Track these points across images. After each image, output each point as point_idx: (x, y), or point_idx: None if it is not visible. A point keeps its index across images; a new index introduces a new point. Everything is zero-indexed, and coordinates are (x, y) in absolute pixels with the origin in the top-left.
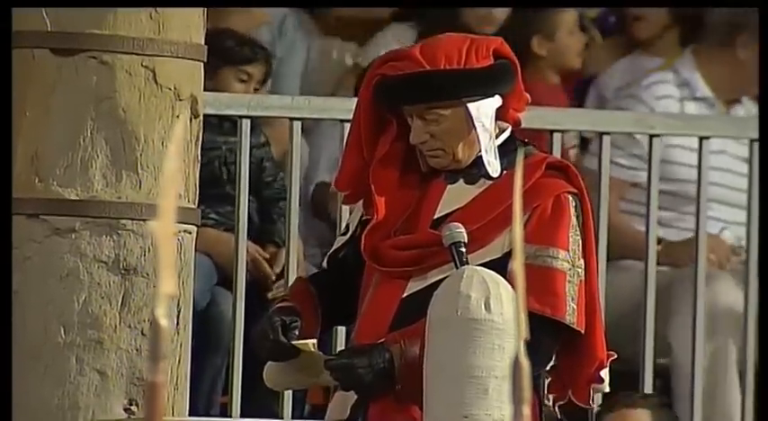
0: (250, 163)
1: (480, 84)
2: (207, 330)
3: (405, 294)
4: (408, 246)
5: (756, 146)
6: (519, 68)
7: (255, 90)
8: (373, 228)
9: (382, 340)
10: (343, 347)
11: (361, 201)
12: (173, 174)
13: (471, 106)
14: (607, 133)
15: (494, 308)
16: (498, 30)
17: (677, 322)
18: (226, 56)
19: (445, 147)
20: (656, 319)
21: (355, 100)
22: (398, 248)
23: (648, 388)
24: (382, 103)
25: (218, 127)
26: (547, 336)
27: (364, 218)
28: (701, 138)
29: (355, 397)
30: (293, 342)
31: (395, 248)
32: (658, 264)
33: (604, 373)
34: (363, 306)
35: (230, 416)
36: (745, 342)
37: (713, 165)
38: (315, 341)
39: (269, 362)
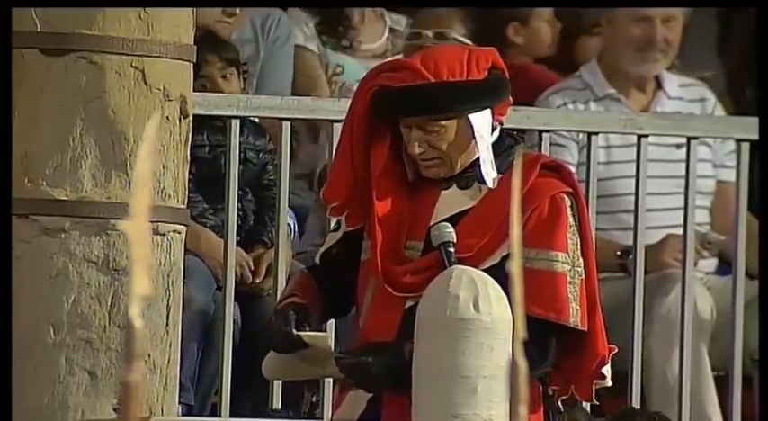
0: (254, 165)
1: (484, 96)
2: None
3: (407, 305)
4: (420, 269)
5: (744, 145)
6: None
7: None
8: (382, 249)
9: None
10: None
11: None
12: (145, 174)
13: (472, 117)
14: (596, 133)
15: (482, 307)
16: (476, 13)
17: (648, 330)
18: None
19: (443, 156)
20: (624, 329)
21: (344, 101)
22: (410, 273)
23: (636, 396)
24: (381, 114)
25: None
26: (551, 339)
27: (348, 229)
28: (689, 139)
29: (366, 402)
30: (306, 333)
31: (408, 274)
32: (623, 271)
33: (606, 369)
34: (364, 314)
35: (220, 416)
36: (718, 345)
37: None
38: (327, 334)
39: (270, 354)
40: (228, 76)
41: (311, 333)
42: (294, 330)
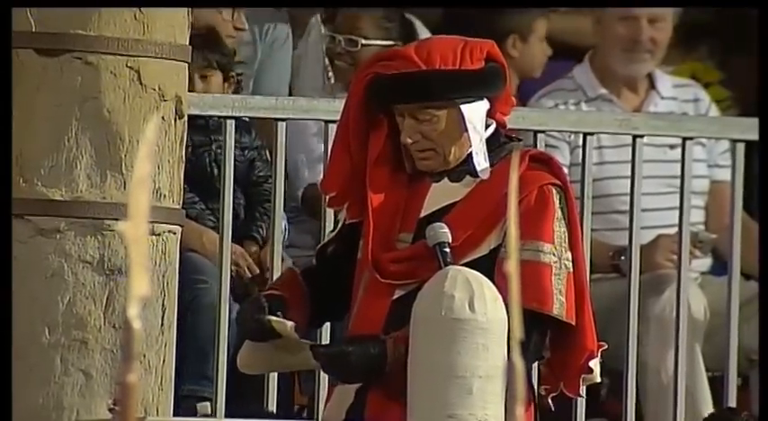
0: (240, 162)
1: (475, 86)
2: None
3: (395, 296)
4: (405, 258)
5: (739, 145)
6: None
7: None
8: (374, 236)
9: (377, 333)
10: (328, 342)
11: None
12: (143, 176)
13: (464, 108)
14: (591, 134)
15: (478, 308)
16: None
17: (644, 329)
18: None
19: (436, 147)
20: (617, 329)
21: (339, 101)
22: (397, 261)
23: (632, 396)
24: (375, 101)
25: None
26: (535, 331)
27: (349, 221)
28: (684, 139)
29: (353, 393)
30: (275, 319)
31: (394, 262)
32: (616, 272)
33: (594, 363)
34: (354, 307)
35: (215, 416)
36: (712, 345)
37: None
38: (293, 324)
39: (245, 344)
40: (209, 76)
41: (280, 319)
42: (265, 318)
